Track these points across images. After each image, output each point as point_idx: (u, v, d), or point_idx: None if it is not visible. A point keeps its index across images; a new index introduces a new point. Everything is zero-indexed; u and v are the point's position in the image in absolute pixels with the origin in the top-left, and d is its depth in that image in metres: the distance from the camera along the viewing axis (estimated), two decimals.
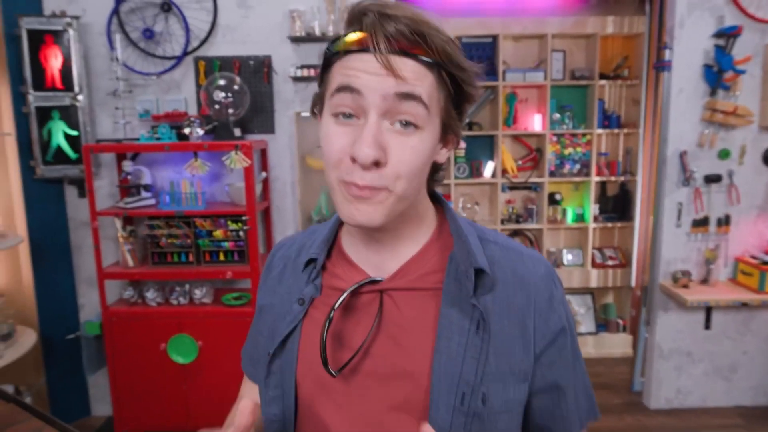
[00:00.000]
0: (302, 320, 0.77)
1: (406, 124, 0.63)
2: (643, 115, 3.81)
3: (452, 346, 0.68)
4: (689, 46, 3.02)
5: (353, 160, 0.62)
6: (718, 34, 2.99)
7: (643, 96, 3.82)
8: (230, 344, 2.71)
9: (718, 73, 2.99)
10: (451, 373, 0.67)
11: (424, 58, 0.62)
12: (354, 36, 0.63)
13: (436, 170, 0.77)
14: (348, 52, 0.64)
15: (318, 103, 0.72)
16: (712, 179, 3.10)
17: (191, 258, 2.75)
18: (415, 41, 0.62)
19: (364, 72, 0.62)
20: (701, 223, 3.14)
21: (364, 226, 0.66)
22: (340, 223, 0.81)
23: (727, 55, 2.97)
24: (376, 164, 0.62)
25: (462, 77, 0.66)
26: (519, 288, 0.72)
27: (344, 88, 0.63)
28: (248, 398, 0.66)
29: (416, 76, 0.62)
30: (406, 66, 0.62)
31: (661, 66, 3.15)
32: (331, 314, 0.72)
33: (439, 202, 0.81)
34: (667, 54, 3.08)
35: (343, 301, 0.73)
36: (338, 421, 0.73)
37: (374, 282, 0.74)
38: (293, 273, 0.81)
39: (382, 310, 0.72)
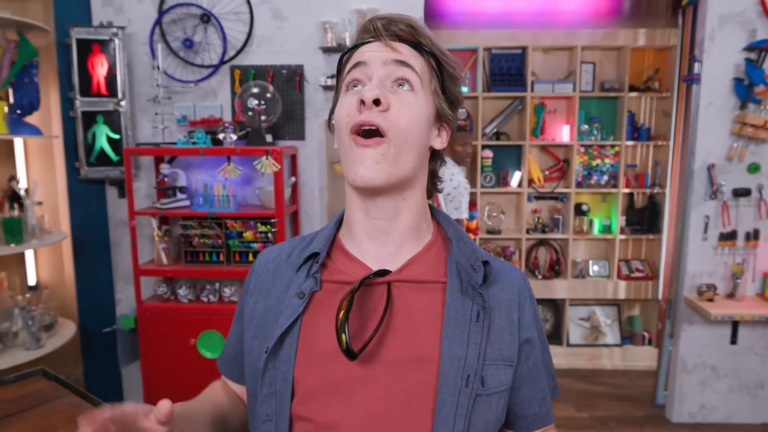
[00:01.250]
0: (302, 315, 0.79)
1: (402, 84, 0.76)
2: (674, 128, 3.79)
3: (458, 334, 0.76)
4: (719, 59, 3.01)
5: (361, 103, 0.73)
6: (750, 48, 2.97)
7: (674, 108, 3.80)
8: None
9: (749, 86, 2.97)
10: (458, 357, 0.74)
11: (416, 43, 0.78)
12: (363, 35, 0.80)
13: (434, 174, 0.86)
14: (357, 45, 0.79)
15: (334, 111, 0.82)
16: (740, 193, 3.07)
17: (222, 258, 2.87)
18: (410, 33, 0.78)
19: (369, 51, 0.77)
20: (728, 237, 3.11)
21: (368, 184, 0.74)
22: (338, 225, 0.87)
23: (759, 69, 2.95)
24: (377, 104, 0.73)
25: (447, 63, 0.80)
26: (506, 285, 0.83)
27: (355, 65, 0.77)
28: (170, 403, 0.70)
29: (410, 54, 0.77)
30: (402, 47, 0.77)
31: (690, 79, 3.14)
32: (352, 297, 0.74)
33: (431, 209, 0.89)
34: (696, 67, 3.07)
35: (359, 287, 0.75)
36: (345, 412, 0.74)
37: (383, 274, 0.79)
38: (286, 272, 0.85)
39: (391, 300, 0.78)
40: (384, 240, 0.81)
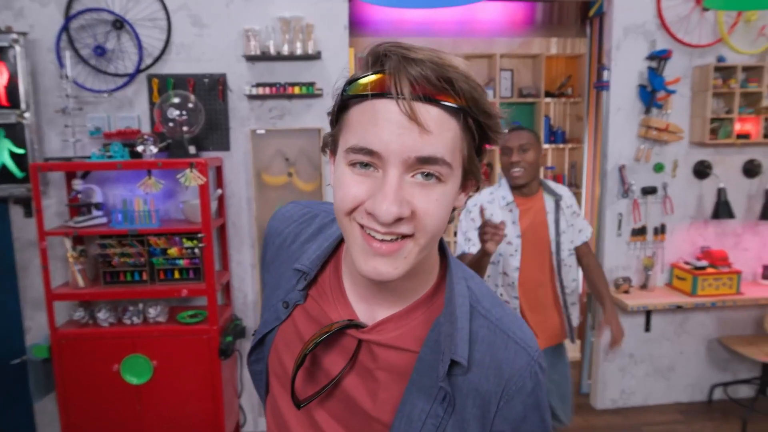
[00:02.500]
0: (282, 321, 0.79)
1: (428, 175, 0.60)
2: (586, 131, 4.02)
3: (415, 412, 0.67)
4: (625, 68, 3.23)
5: (370, 214, 0.60)
6: (651, 57, 3.21)
7: (586, 113, 4.03)
8: (186, 362, 2.68)
9: (652, 92, 3.20)
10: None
11: (450, 104, 0.58)
12: (374, 77, 0.59)
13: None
14: (366, 96, 0.59)
15: (331, 144, 0.67)
16: (648, 191, 3.30)
17: (145, 277, 2.72)
18: (441, 87, 0.57)
19: (386, 122, 0.58)
20: (639, 233, 3.34)
21: (382, 279, 0.62)
22: (341, 241, 0.78)
23: (659, 77, 3.18)
24: (398, 220, 0.59)
25: (488, 124, 0.62)
26: (493, 375, 0.68)
27: (361, 150, 0.59)
28: None
29: (440, 126, 0.58)
30: (430, 114, 0.57)
31: (600, 86, 3.34)
32: (315, 346, 0.70)
33: (443, 253, 0.75)
34: (605, 74, 3.27)
35: (321, 339, 0.70)
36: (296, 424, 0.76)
37: (357, 326, 0.71)
38: (284, 261, 0.81)
39: (358, 356, 0.71)
40: (379, 289, 0.71)
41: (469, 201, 1.80)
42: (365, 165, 0.60)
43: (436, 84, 0.57)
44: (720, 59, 3.22)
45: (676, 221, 3.37)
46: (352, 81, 0.62)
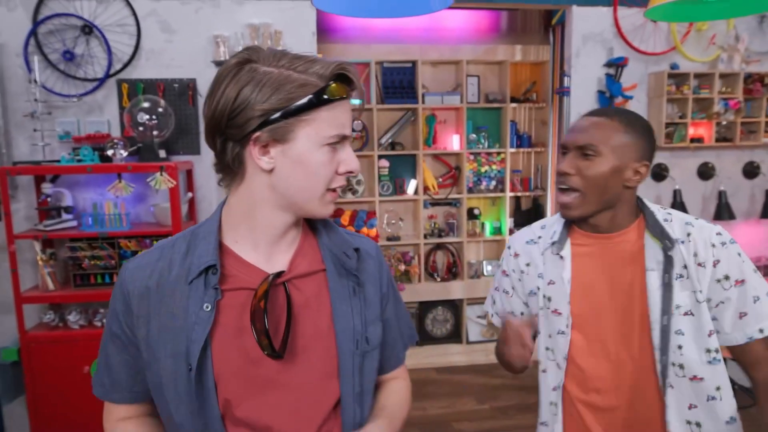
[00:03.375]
0: (211, 328, 0.84)
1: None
2: (551, 136, 4.15)
3: (344, 308, 0.92)
4: (585, 74, 3.37)
5: (346, 172, 0.87)
6: (609, 64, 3.35)
7: (550, 118, 4.17)
8: None
9: (610, 98, 3.35)
10: (347, 328, 0.92)
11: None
12: (343, 87, 0.85)
13: None
14: (336, 99, 0.83)
15: (278, 135, 0.82)
16: None
17: (116, 279, 2.74)
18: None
19: (349, 118, 0.87)
20: None
21: (329, 216, 0.93)
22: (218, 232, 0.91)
23: (617, 83, 3.33)
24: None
25: None
26: (370, 259, 1.01)
27: (342, 137, 0.86)
28: None
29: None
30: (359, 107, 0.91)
31: (561, 91, 3.48)
32: (266, 303, 0.84)
33: None
34: (566, 81, 3.41)
35: (267, 288, 0.85)
36: (275, 404, 0.87)
37: (278, 275, 0.89)
38: (174, 289, 0.86)
39: (291, 297, 0.89)
40: (275, 247, 0.92)
41: (514, 237, 1.34)
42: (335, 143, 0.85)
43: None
44: (673, 66, 3.38)
45: None
46: (324, 87, 0.83)
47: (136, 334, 0.88)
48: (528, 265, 1.30)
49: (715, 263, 1.13)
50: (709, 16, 1.63)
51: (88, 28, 2.86)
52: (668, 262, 1.14)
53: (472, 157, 4.25)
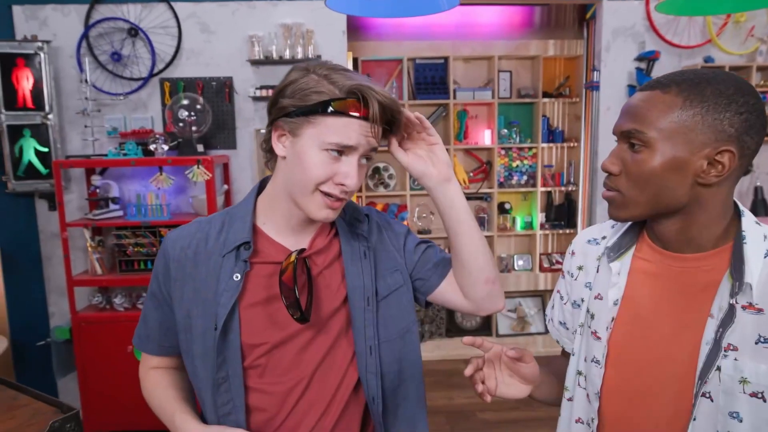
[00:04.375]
0: (239, 293, 0.97)
1: (367, 159, 0.97)
2: (583, 131, 4.13)
3: (354, 269, 1.02)
4: (615, 68, 3.35)
5: (339, 184, 0.93)
6: (639, 58, 3.32)
7: (583, 113, 4.15)
8: None
9: None
10: (357, 286, 1.02)
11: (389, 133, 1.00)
12: (357, 105, 0.91)
13: None
14: (345, 113, 0.91)
15: (291, 126, 0.93)
16: None
17: None
18: (389, 121, 0.96)
19: (359, 134, 0.92)
20: None
21: (328, 221, 0.99)
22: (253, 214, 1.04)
23: (648, 77, 3.30)
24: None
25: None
26: (368, 221, 1.11)
27: (344, 147, 0.92)
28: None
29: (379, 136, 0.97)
30: (378, 132, 0.94)
31: (591, 86, 3.47)
32: (295, 273, 0.95)
33: None
34: (595, 75, 3.40)
35: (295, 260, 0.97)
36: (300, 361, 0.99)
37: (300, 252, 1.01)
38: (209, 258, 1.00)
39: (310, 270, 1.02)
40: (300, 230, 1.04)
41: (580, 234, 1.08)
42: (336, 151, 0.92)
43: (388, 119, 0.95)
44: (707, 60, 3.32)
45: None
46: (334, 99, 0.91)
47: (171, 295, 1.02)
48: (580, 269, 1.03)
49: None
50: (723, 9, 1.63)
51: (134, 31, 3.06)
52: (729, 313, 0.80)
53: (503, 152, 4.27)
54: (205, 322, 0.97)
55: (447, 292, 1.09)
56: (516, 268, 4.38)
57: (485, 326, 4.42)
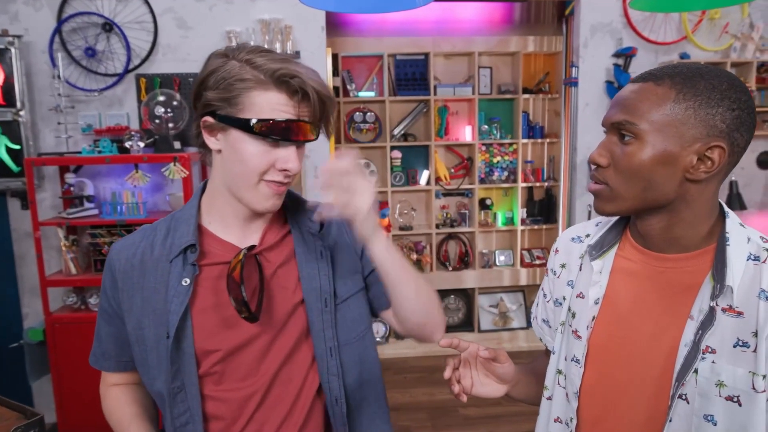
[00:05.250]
0: (188, 303, 0.93)
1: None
2: (563, 126, 4.16)
3: (310, 272, 0.99)
4: (593, 65, 3.37)
5: (282, 170, 0.90)
6: (617, 54, 3.35)
7: (563, 109, 4.17)
8: None
9: (618, 89, 3.34)
10: (314, 288, 0.99)
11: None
12: (287, 102, 0.88)
13: None
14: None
15: (225, 122, 0.89)
16: None
17: None
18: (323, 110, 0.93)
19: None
20: None
21: (274, 210, 0.96)
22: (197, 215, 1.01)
23: (625, 73, 3.33)
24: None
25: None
26: (335, 223, 1.06)
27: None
28: None
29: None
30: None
31: (569, 82, 3.49)
32: (242, 272, 0.91)
33: None
34: (574, 71, 3.42)
35: (243, 257, 0.94)
36: (249, 362, 0.96)
37: (251, 248, 0.98)
38: (156, 266, 0.96)
39: (262, 267, 0.99)
40: (247, 225, 1.00)
41: (564, 232, 1.07)
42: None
43: (320, 107, 0.92)
44: (683, 56, 3.36)
45: None
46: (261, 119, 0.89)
47: (121, 307, 0.99)
48: (563, 266, 1.02)
49: None
50: (696, 5, 1.65)
51: (109, 26, 3.00)
52: (709, 315, 0.79)
53: (484, 147, 4.28)
54: (157, 331, 0.94)
55: (390, 316, 1.08)
56: (497, 263, 4.40)
57: (467, 322, 4.43)
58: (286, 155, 0.90)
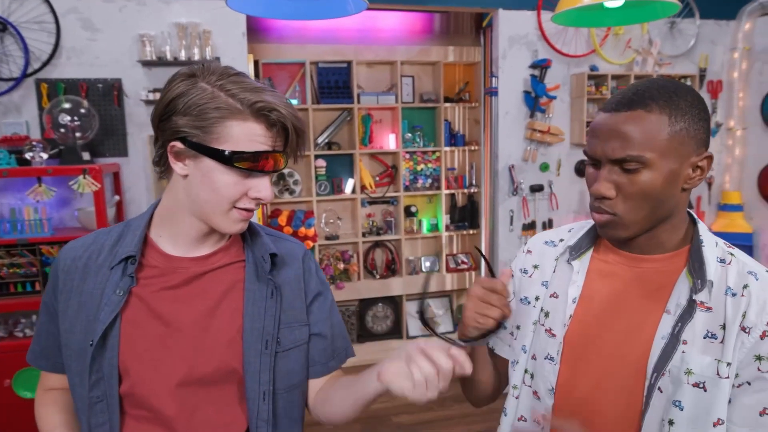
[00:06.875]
0: (121, 310, 0.91)
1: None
2: (483, 134, 4.28)
3: (256, 310, 0.95)
4: (511, 75, 3.50)
5: (255, 199, 0.89)
6: (533, 66, 3.49)
7: (482, 117, 4.30)
8: None
9: (535, 98, 3.49)
10: (256, 328, 0.94)
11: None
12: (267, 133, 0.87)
13: None
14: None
15: (196, 149, 0.86)
16: (536, 189, 3.59)
17: (38, 287, 2.64)
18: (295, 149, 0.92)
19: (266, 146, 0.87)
20: (529, 227, 3.62)
21: (241, 232, 0.95)
22: (147, 229, 0.98)
23: (541, 83, 3.48)
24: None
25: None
26: (293, 264, 1.03)
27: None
28: None
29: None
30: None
31: (490, 91, 3.60)
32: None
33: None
34: (493, 81, 3.53)
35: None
36: (170, 386, 0.91)
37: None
38: (98, 272, 0.94)
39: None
40: (202, 242, 0.97)
41: (536, 236, 1.11)
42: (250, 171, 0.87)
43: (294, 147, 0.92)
44: (593, 68, 3.57)
45: (562, 215, 3.68)
46: (238, 152, 0.87)
47: (57, 308, 0.96)
48: (536, 267, 1.05)
49: (766, 335, 0.81)
50: (609, 22, 1.75)
51: (2, 25, 2.74)
52: (689, 309, 0.85)
53: (408, 155, 4.32)
54: (85, 337, 0.91)
55: (315, 388, 1.05)
56: (423, 269, 4.45)
57: (396, 330, 4.44)
58: (259, 184, 0.89)
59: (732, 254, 0.89)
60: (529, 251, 1.09)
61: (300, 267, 1.04)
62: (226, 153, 0.84)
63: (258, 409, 0.93)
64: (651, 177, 0.83)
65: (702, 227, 0.92)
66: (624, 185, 0.85)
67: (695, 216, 0.94)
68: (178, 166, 0.88)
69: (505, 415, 1.06)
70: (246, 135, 0.85)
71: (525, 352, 1.01)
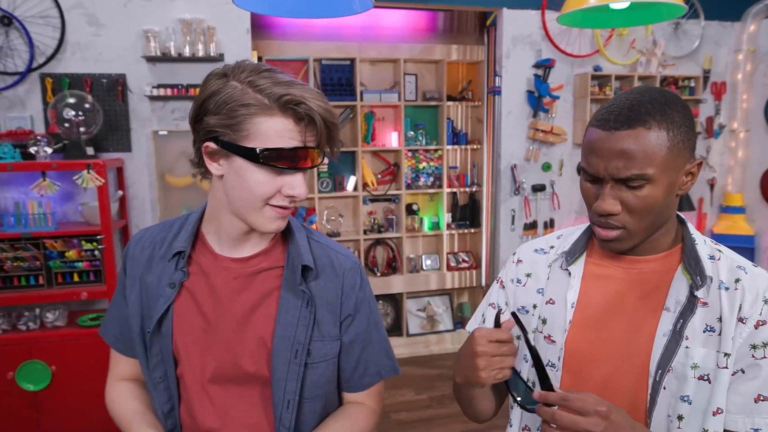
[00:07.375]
0: (174, 301, 0.97)
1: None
2: (486, 133, 4.29)
3: (289, 318, 0.95)
4: (515, 74, 3.50)
5: (289, 196, 0.89)
6: (537, 65, 3.50)
7: (485, 116, 4.30)
8: (87, 366, 2.64)
9: (538, 98, 3.50)
10: (287, 336, 0.95)
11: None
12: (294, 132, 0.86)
13: None
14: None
15: (230, 149, 0.87)
16: (538, 188, 3.60)
17: (41, 281, 2.66)
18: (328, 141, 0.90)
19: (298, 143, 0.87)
20: (531, 227, 3.63)
21: (279, 231, 0.95)
22: (200, 223, 1.02)
23: (544, 83, 3.48)
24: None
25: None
26: (334, 276, 1.01)
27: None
28: None
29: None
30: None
31: (493, 90, 3.60)
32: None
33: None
34: (497, 80, 3.53)
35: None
36: (213, 358, 0.97)
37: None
38: (159, 263, 1.00)
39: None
40: (243, 243, 0.99)
41: (523, 245, 1.11)
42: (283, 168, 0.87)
43: (327, 138, 0.90)
44: (596, 69, 3.57)
45: (563, 216, 3.69)
46: (267, 149, 0.86)
47: (126, 290, 1.02)
48: (528, 275, 1.06)
49: (759, 324, 0.85)
50: (615, 23, 1.75)
51: (8, 19, 2.74)
52: (690, 305, 0.88)
53: (410, 153, 4.33)
54: (143, 323, 0.98)
55: (344, 398, 1.07)
56: (424, 267, 4.46)
57: (396, 327, 4.46)
58: (292, 181, 0.89)
59: (720, 251, 0.93)
60: (519, 261, 1.09)
61: (341, 280, 1.01)
62: (257, 151, 0.84)
63: (281, 416, 0.95)
64: (653, 190, 0.85)
65: (691, 227, 0.96)
66: (628, 200, 0.87)
67: (682, 216, 0.98)
68: (213, 167, 0.90)
69: (511, 426, 1.06)
70: (275, 131, 0.84)
71: (526, 362, 1.01)
